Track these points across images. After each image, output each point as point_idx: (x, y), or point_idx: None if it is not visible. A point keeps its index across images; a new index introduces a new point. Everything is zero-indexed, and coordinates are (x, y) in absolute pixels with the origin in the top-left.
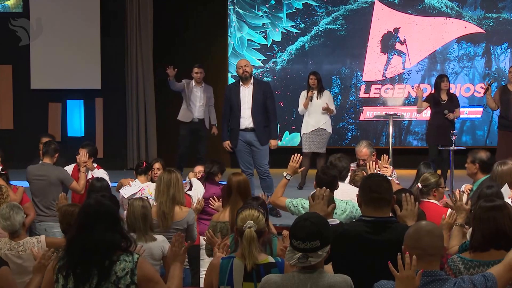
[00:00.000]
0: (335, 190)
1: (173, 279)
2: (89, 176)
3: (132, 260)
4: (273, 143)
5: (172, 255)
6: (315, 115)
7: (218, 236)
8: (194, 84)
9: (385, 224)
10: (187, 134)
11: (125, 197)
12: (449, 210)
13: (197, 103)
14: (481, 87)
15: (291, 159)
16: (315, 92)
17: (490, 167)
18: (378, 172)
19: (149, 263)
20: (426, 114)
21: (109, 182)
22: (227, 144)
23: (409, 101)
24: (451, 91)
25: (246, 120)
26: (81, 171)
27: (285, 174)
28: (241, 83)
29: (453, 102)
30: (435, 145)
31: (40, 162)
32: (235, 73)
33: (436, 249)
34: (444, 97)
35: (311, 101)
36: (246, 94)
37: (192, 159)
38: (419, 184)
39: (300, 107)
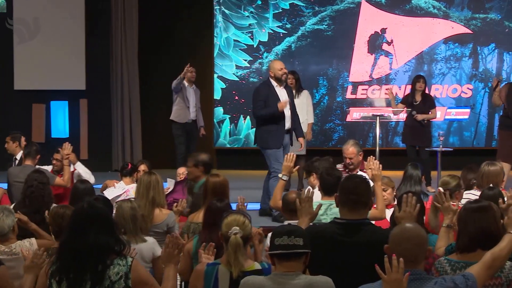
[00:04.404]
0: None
1: (168, 281)
2: (72, 169)
3: (126, 264)
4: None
5: (166, 257)
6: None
7: (185, 237)
8: (187, 84)
9: (357, 227)
10: (182, 134)
11: (109, 198)
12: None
13: (191, 103)
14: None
15: (285, 159)
16: (293, 91)
17: (211, 168)
18: (359, 173)
19: (142, 266)
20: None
21: (93, 178)
22: (281, 104)
23: (396, 102)
24: (438, 92)
25: (288, 121)
26: (64, 164)
27: (280, 175)
28: (275, 84)
29: (427, 103)
30: (410, 145)
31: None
32: (221, 74)
33: (414, 256)
34: (417, 98)
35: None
36: (283, 95)
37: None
38: (441, 188)
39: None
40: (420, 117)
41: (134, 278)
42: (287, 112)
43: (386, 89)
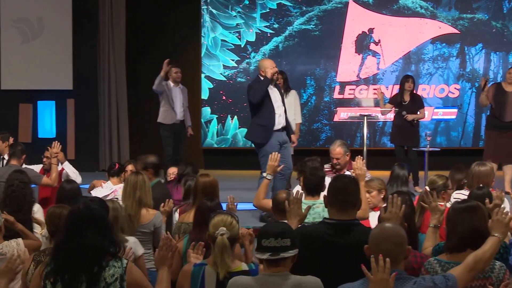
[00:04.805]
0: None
1: (161, 284)
2: (59, 168)
3: (121, 266)
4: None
5: (160, 259)
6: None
7: (176, 237)
8: (172, 85)
9: (347, 227)
10: (170, 136)
11: None
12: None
13: (177, 104)
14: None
15: (269, 158)
16: (281, 91)
17: (160, 168)
18: (348, 173)
19: (137, 268)
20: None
21: (80, 178)
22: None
23: (384, 102)
24: (425, 92)
25: (282, 118)
26: (52, 163)
27: (265, 174)
28: None
29: (416, 103)
30: (399, 145)
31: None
32: (208, 74)
33: (394, 256)
34: (406, 98)
35: None
36: (274, 93)
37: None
38: (427, 187)
39: None
40: (410, 117)
41: (129, 280)
42: (279, 110)
43: (375, 89)
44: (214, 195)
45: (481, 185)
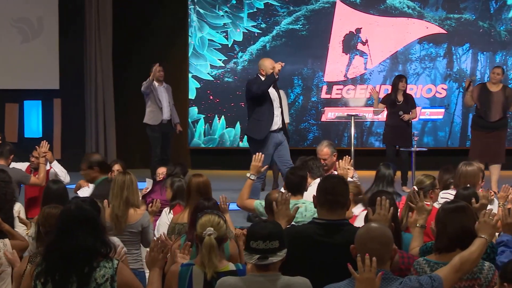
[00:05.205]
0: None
1: (152, 284)
2: (47, 167)
3: (112, 267)
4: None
5: (151, 260)
6: None
7: (172, 238)
8: (157, 84)
9: (337, 227)
10: (158, 136)
11: None
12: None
13: (164, 103)
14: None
15: (253, 158)
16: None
17: (108, 167)
18: (335, 174)
19: (128, 269)
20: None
21: (68, 178)
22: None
23: (371, 102)
24: (412, 92)
25: (279, 119)
26: (40, 162)
27: (248, 174)
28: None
29: (409, 103)
30: (392, 145)
31: None
32: (195, 73)
33: (380, 256)
34: (400, 98)
35: None
36: (274, 93)
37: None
38: (415, 187)
39: None
40: (407, 116)
41: (120, 281)
42: (276, 111)
43: (371, 89)
44: (207, 195)
45: (468, 185)
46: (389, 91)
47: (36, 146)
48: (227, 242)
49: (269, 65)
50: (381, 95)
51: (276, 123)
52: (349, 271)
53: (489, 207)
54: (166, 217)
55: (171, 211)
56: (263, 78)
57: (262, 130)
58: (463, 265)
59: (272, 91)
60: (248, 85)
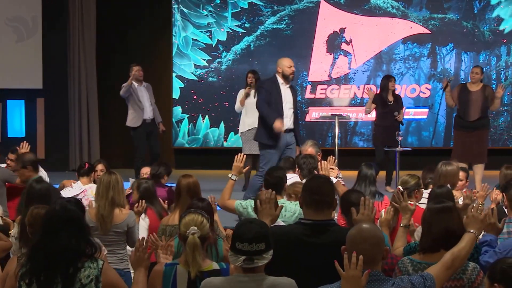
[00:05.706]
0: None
1: (137, 284)
2: None
3: (96, 267)
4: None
5: (136, 261)
6: (252, 114)
7: (163, 239)
8: (137, 85)
9: (324, 227)
10: (142, 137)
11: None
12: (387, 207)
13: (146, 103)
14: (431, 86)
15: (235, 159)
16: (253, 91)
17: (38, 164)
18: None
19: (113, 269)
20: (372, 114)
21: (47, 179)
22: (279, 123)
23: (355, 102)
24: (396, 92)
25: (289, 120)
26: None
27: (230, 175)
28: (281, 81)
29: (399, 103)
30: (382, 146)
31: None
32: (179, 73)
33: (372, 257)
34: (390, 98)
35: (247, 98)
36: (287, 93)
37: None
38: (400, 187)
39: (237, 105)
40: (401, 117)
41: (105, 282)
42: (287, 112)
43: (367, 89)
44: (197, 195)
45: (448, 185)
46: (377, 91)
47: (17, 147)
48: (221, 243)
49: (287, 64)
50: (366, 96)
51: (285, 125)
52: (337, 272)
53: None
54: (143, 221)
55: (146, 215)
56: (279, 79)
57: (272, 137)
58: (455, 261)
59: (285, 91)
60: (259, 87)
